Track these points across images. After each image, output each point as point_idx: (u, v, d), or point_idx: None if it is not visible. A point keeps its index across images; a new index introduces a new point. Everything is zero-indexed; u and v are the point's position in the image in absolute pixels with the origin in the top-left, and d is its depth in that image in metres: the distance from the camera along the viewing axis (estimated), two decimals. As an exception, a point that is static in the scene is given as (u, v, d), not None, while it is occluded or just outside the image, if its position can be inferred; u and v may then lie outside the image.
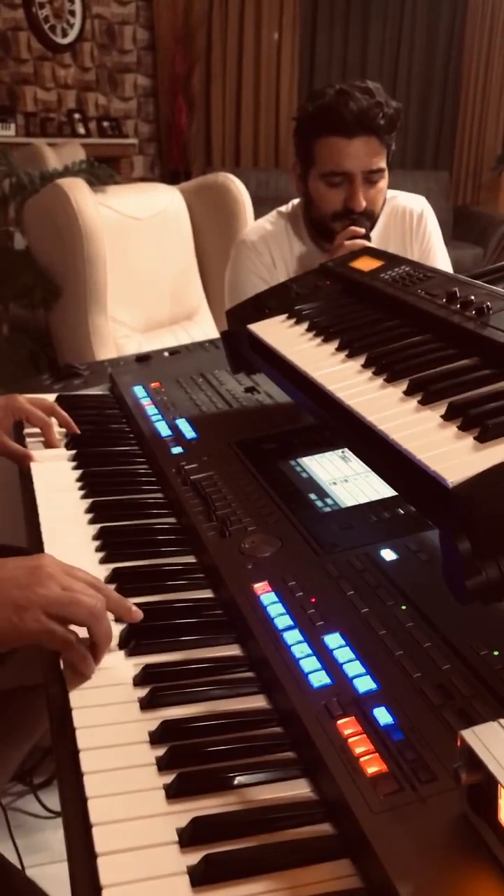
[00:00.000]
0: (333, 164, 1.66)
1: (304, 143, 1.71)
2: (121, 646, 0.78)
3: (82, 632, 0.75)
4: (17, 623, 0.71)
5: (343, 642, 0.71)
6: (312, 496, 0.97)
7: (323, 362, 0.97)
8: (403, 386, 0.83)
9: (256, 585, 0.81)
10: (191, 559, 0.93)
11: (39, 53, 5.81)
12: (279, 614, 0.76)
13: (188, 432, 1.19)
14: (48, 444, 1.24)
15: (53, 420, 1.26)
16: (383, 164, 1.71)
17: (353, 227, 1.70)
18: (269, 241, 1.88)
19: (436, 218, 1.95)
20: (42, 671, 0.78)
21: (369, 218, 1.76)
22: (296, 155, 1.77)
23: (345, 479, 1.00)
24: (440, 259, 1.91)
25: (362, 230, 1.70)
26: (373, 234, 1.86)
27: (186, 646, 0.78)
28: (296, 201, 1.90)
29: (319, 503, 0.95)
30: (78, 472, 1.15)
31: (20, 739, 1.27)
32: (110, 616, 0.78)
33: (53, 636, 0.72)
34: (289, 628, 0.74)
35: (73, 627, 0.74)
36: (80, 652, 0.73)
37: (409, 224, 1.91)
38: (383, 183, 1.75)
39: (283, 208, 1.91)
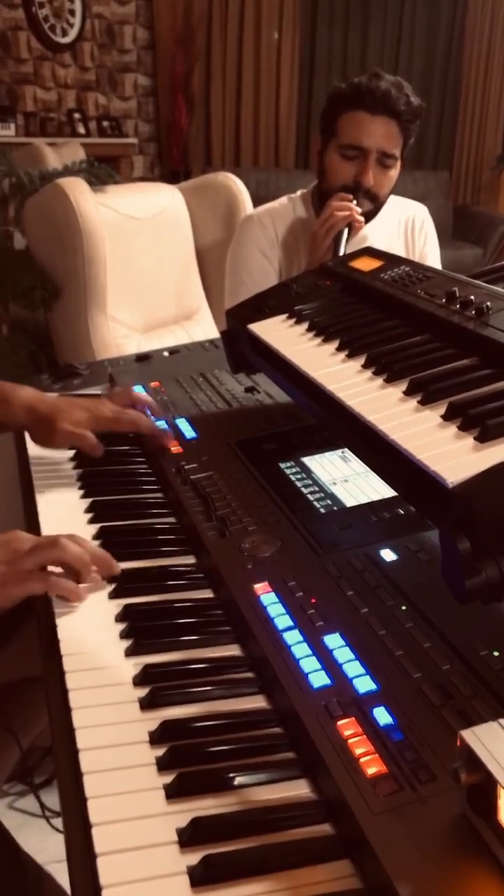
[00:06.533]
0: (353, 136, 1.75)
1: (330, 117, 1.79)
2: (121, 636, 0.79)
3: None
4: (5, 590, 0.83)
5: (343, 642, 0.71)
6: (312, 496, 0.97)
7: (323, 362, 0.97)
8: (403, 386, 0.83)
9: (256, 585, 0.81)
10: (191, 559, 0.93)
11: (39, 53, 5.81)
12: (279, 614, 0.76)
13: (188, 432, 1.18)
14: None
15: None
16: (397, 153, 1.78)
17: (344, 194, 1.76)
18: (275, 217, 1.92)
19: (434, 227, 2.00)
20: (41, 664, 0.79)
21: (373, 200, 1.81)
22: (320, 130, 1.85)
23: (345, 479, 1.00)
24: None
25: (350, 196, 1.76)
26: (376, 236, 1.87)
27: (186, 646, 0.78)
28: (306, 189, 1.93)
29: (319, 503, 0.95)
30: (78, 472, 1.15)
31: (22, 733, 1.27)
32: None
33: (34, 584, 0.85)
34: (289, 628, 0.74)
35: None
36: (65, 585, 0.85)
37: (412, 229, 1.94)
38: (394, 172, 1.81)
39: (292, 194, 1.96)
